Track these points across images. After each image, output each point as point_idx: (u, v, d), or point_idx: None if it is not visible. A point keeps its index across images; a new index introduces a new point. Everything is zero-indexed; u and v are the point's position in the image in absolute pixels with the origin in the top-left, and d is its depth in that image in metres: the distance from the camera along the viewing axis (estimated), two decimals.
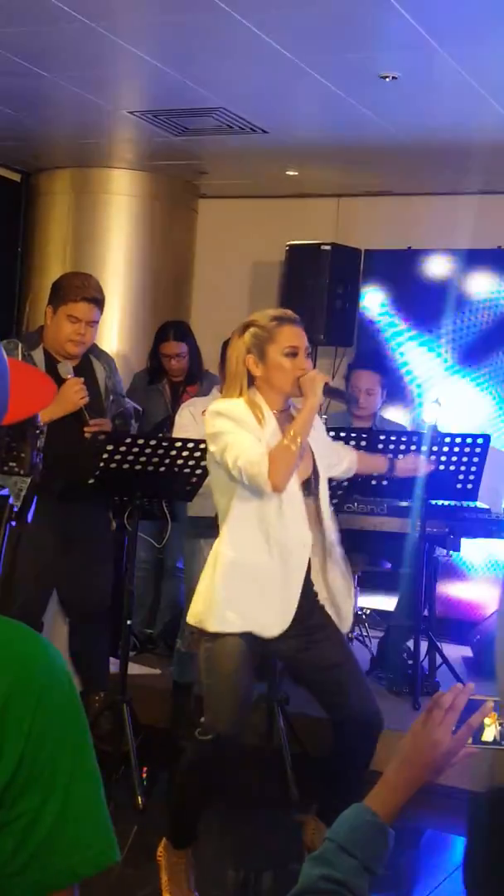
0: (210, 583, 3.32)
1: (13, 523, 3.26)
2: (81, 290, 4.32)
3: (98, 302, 4.36)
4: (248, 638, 3.28)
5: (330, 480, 3.59)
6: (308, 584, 3.36)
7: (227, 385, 3.39)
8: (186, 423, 4.60)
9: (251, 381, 3.31)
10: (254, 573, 3.29)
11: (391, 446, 5.14)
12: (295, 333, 3.31)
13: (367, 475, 4.47)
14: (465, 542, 5.51)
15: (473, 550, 6.53)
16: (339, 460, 3.68)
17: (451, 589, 6.62)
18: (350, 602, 3.45)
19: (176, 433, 4.60)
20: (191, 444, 4.15)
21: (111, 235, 7.10)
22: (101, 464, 4.14)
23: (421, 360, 6.94)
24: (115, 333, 6.96)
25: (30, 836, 1.09)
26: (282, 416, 3.34)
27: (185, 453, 4.15)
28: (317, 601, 3.39)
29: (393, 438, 5.19)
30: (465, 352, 6.80)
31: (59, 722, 1.12)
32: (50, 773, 1.10)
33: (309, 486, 3.37)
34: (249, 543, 3.29)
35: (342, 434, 5.31)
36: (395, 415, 6.65)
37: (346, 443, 5.22)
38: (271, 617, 3.28)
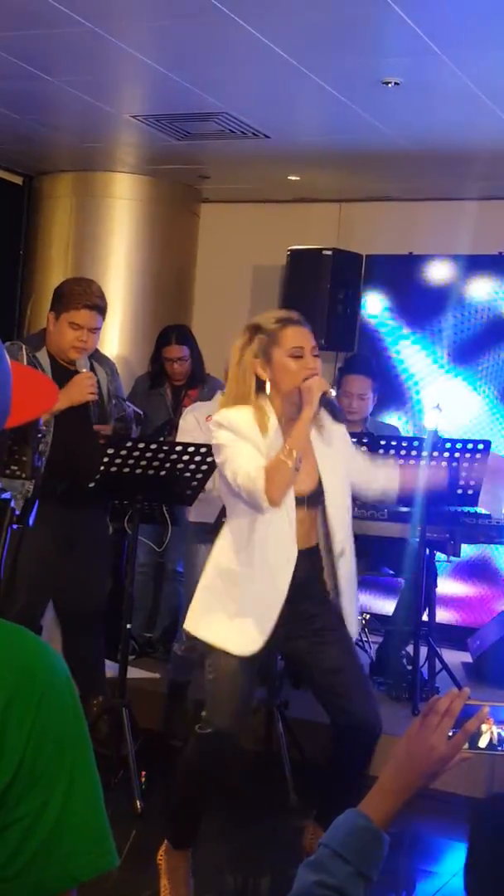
0: (200, 587, 3.36)
1: (15, 526, 3.27)
2: (83, 297, 4.32)
3: (100, 309, 4.37)
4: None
5: (356, 499, 3.53)
6: (319, 585, 3.36)
7: (229, 390, 3.36)
8: (191, 429, 4.60)
9: (261, 387, 3.28)
10: (235, 584, 3.28)
11: (391, 451, 5.14)
12: (299, 334, 3.27)
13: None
14: (466, 548, 5.51)
15: (473, 556, 6.53)
16: (366, 474, 3.55)
17: (450, 594, 6.61)
18: (354, 606, 3.45)
19: (180, 438, 4.59)
20: (191, 449, 4.15)
21: (113, 239, 7.11)
22: (102, 467, 4.14)
23: (421, 363, 6.95)
24: (116, 337, 6.97)
25: (29, 840, 1.09)
26: (290, 426, 3.25)
27: (185, 457, 4.15)
28: (327, 601, 3.38)
29: (393, 444, 5.19)
30: (462, 353, 6.80)
31: (60, 726, 1.12)
32: (50, 777, 1.10)
33: (313, 499, 3.33)
34: (236, 553, 3.29)
35: None
36: (392, 419, 6.66)
37: None
38: (245, 633, 3.26)
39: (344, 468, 3.43)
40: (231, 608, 3.28)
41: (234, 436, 3.21)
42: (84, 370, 4.32)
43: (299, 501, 3.28)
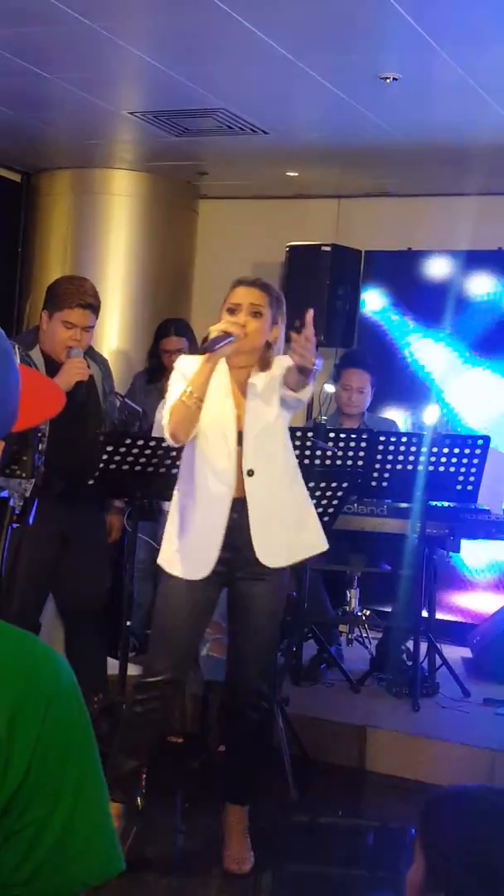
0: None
1: (14, 525, 3.27)
2: (77, 295, 4.31)
3: (93, 307, 4.36)
4: (195, 583, 3.49)
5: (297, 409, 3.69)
6: (239, 535, 3.49)
7: None
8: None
9: None
10: (182, 513, 3.54)
11: (391, 447, 5.15)
12: (240, 293, 3.49)
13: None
14: (465, 544, 5.51)
15: (473, 551, 6.53)
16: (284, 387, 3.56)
17: (450, 590, 6.61)
18: (307, 530, 3.60)
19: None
20: None
21: (111, 236, 7.10)
22: (102, 465, 4.13)
23: (433, 356, 6.91)
24: (115, 333, 6.96)
25: (36, 846, 1.10)
26: (240, 373, 3.49)
27: None
28: (252, 555, 3.49)
29: (393, 440, 5.19)
30: (478, 345, 6.77)
31: (66, 733, 1.12)
32: (57, 783, 1.10)
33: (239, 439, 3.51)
34: (185, 484, 3.55)
35: (342, 435, 5.32)
36: (393, 413, 6.65)
37: (346, 444, 5.25)
38: (191, 560, 3.49)
39: (274, 404, 3.52)
40: (180, 536, 3.53)
41: (181, 379, 3.47)
42: (75, 356, 4.32)
43: (241, 440, 3.49)
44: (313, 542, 3.66)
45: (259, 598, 3.55)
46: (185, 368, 3.50)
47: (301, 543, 3.62)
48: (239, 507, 3.49)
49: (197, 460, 3.50)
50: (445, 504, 5.25)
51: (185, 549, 3.53)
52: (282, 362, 3.52)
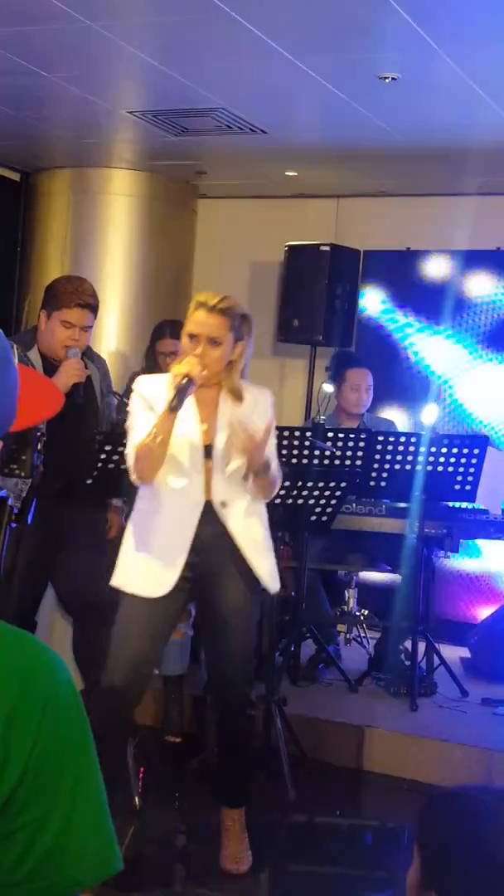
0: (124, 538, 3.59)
1: (13, 525, 3.26)
2: (75, 295, 4.31)
3: (92, 307, 4.36)
4: (156, 600, 3.45)
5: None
6: (227, 539, 3.46)
7: None
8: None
9: None
10: (147, 530, 3.49)
11: (389, 447, 5.15)
12: (199, 319, 3.45)
13: None
14: (464, 543, 5.52)
15: (472, 551, 6.54)
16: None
17: (448, 590, 6.61)
18: (263, 562, 3.53)
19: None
20: None
21: (110, 235, 7.10)
22: (100, 464, 4.13)
23: (437, 353, 6.90)
24: (113, 333, 6.96)
25: (34, 846, 1.09)
26: (205, 391, 3.46)
27: None
28: (237, 556, 3.47)
29: (391, 439, 5.20)
30: (485, 340, 6.76)
31: (64, 733, 1.12)
32: (54, 783, 1.10)
33: (206, 452, 3.48)
34: (150, 500, 3.50)
35: (340, 434, 5.32)
36: (392, 413, 6.65)
37: (345, 444, 5.25)
38: (153, 577, 3.45)
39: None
40: (142, 553, 3.49)
41: (140, 402, 3.46)
42: (73, 357, 4.31)
43: (209, 453, 3.46)
44: (271, 580, 3.59)
45: (231, 601, 3.51)
46: (144, 390, 3.47)
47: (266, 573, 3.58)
48: (207, 510, 3.46)
49: (163, 478, 3.46)
50: (464, 505, 5.23)
51: (146, 566, 3.48)
52: (256, 398, 3.53)
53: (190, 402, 3.44)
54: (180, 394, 3.32)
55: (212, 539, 3.47)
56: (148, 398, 3.45)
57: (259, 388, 3.59)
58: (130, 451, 3.43)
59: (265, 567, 3.53)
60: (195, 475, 3.46)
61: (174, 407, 3.32)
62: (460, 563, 6.53)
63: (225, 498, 3.47)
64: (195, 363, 3.37)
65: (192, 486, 3.46)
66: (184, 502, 3.46)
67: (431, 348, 6.91)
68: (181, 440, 3.44)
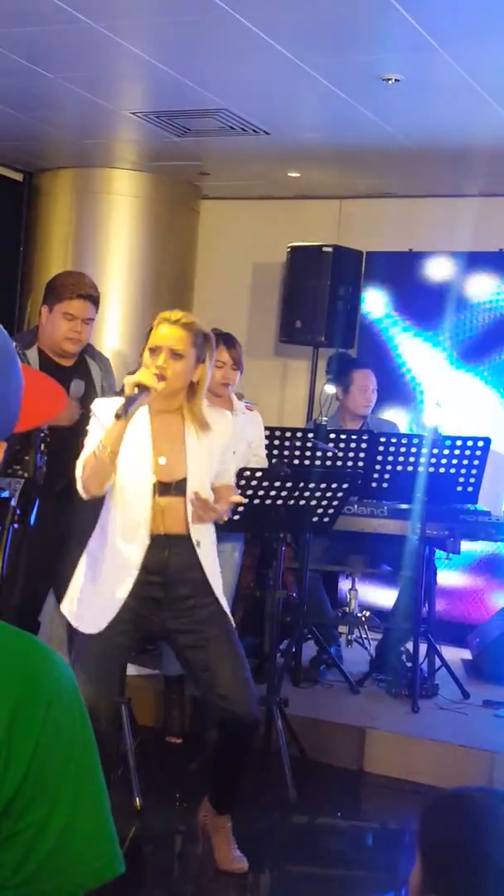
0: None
1: (16, 525, 3.27)
2: (76, 287, 4.32)
3: (93, 299, 4.36)
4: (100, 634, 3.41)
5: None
6: (199, 571, 3.44)
7: None
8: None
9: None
10: (93, 563, 3.48)
11: (391, 448, 5.15)
12: (162, 332, 3.40)
13: None
14: (466, 545, 5.51)
15: (474, 552, 6.53)
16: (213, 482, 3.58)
17: (450, 591, 6.61)
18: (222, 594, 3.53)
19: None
20: None
21: (113, 236, 7.10)
22: None
23: (423, 359, 6.92)
24: (115, 333, 6.96)
25: (35, 849, 1.09)
26: (163, 418, 3.43)
27: None
28: (209, 587, 3.45)
29: (394, 441, 5.19)
30: (467, 350, 6.78)
31: (66, 735, 1.12)
32: (56, 785, 1.10)
33: (180, 488, 3.42)
34: (98, 535, 3.48)
35: (342, 436, 5.32)
36: (392, 415, 6.65)
37: (347, 445, 5.25)
38: (94, 612, 3.42)
39: (212, 464, 3.49)
40: (88, 586, 3.48)
41: (95, 423, 3.42)
42: (74, 399, 4.29)
43: (165, 489, 3.39)
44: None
45: (207, 624, 3.47)
46: (101, 414, 3.42)
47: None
48: (164, 544, 3.42)
49: (110, 513, 3.44)
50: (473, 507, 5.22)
51: (89, 600, 3.46)
52: (217, 421, 3.50)
53: (146, 430, 3.40)
54: (128, 402, 3.26)
55: (178, 573, 3.43)
56: (102, 421, 3.40)
57: (218, 411, 3.58)
58: (79, 464, 3.40)
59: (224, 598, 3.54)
60: (141, 508, 3.39)
61: (119, 415, 3.25)
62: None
63: (199, 537, 3.44)
64: (150, 374, 3.32)
65: (139, 519, 3.40)
66: (132, 535, 3.41)
67: (418, 352, 6.91)
68: (131, 470, 3.39)
